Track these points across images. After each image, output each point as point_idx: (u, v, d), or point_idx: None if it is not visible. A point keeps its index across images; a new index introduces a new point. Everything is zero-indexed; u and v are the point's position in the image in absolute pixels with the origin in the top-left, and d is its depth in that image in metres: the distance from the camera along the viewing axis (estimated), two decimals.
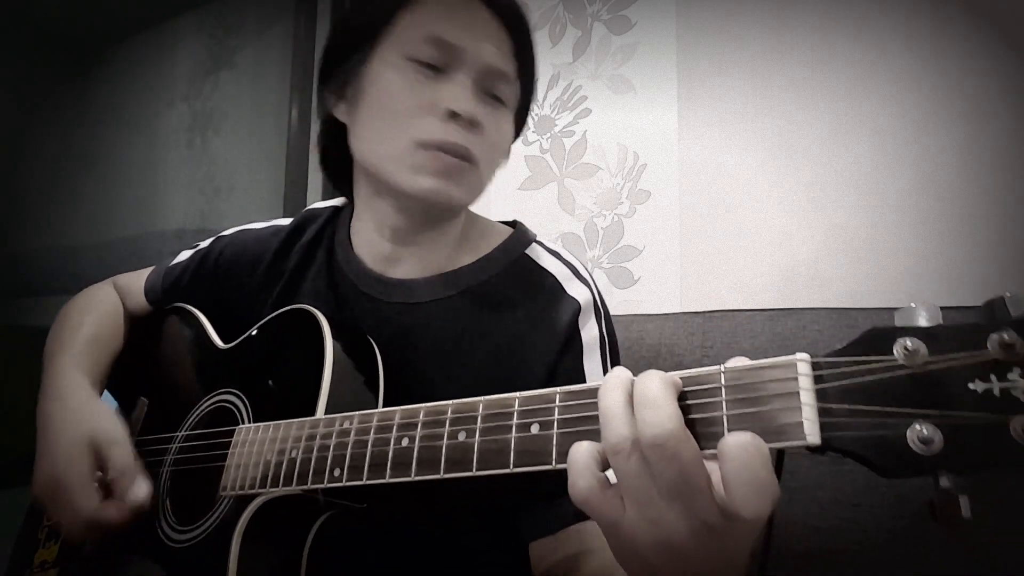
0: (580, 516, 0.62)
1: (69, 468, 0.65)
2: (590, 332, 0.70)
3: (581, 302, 0.71)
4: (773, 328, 1.01)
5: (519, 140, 1.37)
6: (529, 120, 1.35)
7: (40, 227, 1.77)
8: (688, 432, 0.36)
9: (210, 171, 1.81)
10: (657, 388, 0.37)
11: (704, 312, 1.09)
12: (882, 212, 1.03)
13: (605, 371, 0.70)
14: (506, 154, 0.76)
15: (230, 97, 1.83)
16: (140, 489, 0.64)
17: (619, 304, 1.21)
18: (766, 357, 0.37)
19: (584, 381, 0.68)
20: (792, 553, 0.92)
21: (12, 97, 1.65)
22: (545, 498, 0.64)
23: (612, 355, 0.73)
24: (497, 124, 0.70)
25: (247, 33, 1.84)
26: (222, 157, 1.81)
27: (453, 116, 0.65)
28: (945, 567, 0.81)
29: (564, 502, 0.64)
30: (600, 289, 0.77)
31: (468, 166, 0.67)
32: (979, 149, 0.98)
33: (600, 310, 0.74)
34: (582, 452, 0.39)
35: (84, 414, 0.71)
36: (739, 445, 0.35)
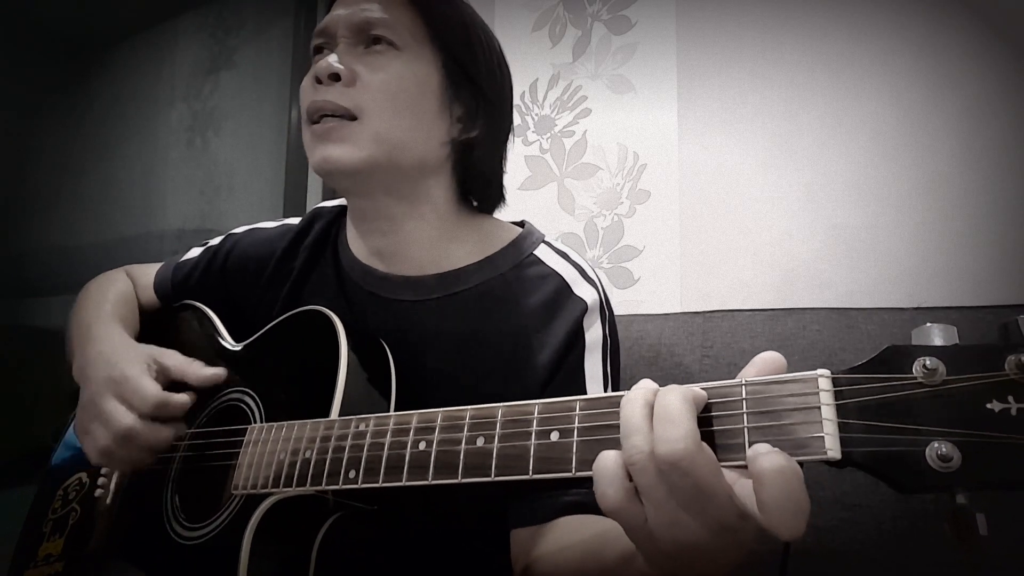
0: (567, 511, 0.63)
1: (130, 362, 0.69)
2: (594, 333, 0.71)
3: (588, 302, 0.71)
4: (773, 328, 1.01)
5: (519, 140, 1.36)
6: (529, 120, 1.36)
7: (40, 227, 1.77)
8: (704, 448, 0.37)
9: (210, 171, 1.81)
10: (676, 404, 0.37)
11: (704, 312, 1.09)
12: (882, 212, 1.03)
13: (604, 371, 0.70)
14: (408, 92, 0.69)
15: (230, 97, 1.82)
16: (206, 369, 0.70)
17: (619, 304, 1.21)
18: None
19: (583, 378, 0.69)
20: (792, 553, 0.92)
21: (12, 97, 1.65)
22: (537, 490, 0.64)
23: (613, 356, 0.73)
24: (381, 65, 0.68)
25: (247, 33, 1.84)
26: (222, 157, 1.81)
27: (318, 81, 0.68)
28: (944, 568, 0.81)
29: (554, 495, 0.64)
30: (605, 289, 0.77)
31: (346, 123, 0.67)
32: (979, 149, 0.98)
33: (606, 311, 0.74)
34: (610, 463, 0.39)
35: (134, 346, 0.74)
36: (776, 471, 0.34)
